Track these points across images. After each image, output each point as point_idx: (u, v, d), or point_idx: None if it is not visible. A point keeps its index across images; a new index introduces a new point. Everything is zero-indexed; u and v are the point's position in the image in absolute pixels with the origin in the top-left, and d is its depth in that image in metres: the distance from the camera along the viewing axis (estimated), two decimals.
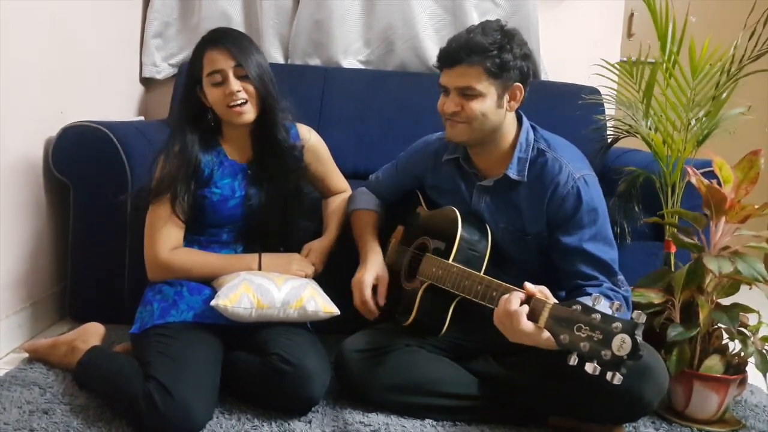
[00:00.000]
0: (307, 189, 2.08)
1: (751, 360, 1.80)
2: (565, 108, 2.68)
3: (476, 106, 1.72)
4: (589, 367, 1.31)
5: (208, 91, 1.87)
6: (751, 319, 1.85)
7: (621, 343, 1.29)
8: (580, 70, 2.72)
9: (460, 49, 1.71)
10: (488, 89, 1.72)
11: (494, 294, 1.57)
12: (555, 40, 2.71)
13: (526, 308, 1.46)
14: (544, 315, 1.43)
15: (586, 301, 1.39)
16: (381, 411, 1.77)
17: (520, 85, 1.74)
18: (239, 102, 1.85)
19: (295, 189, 2.01)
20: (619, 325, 1.30)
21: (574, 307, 1.38)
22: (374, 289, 1.88)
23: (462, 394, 1.77)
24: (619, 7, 3.29)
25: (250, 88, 1.86)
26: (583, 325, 1.35)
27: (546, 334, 1.43)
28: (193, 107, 1.91)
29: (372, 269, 1.90)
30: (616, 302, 1.33)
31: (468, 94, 1.72)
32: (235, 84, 1.84)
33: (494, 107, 1.73)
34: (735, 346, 1.83)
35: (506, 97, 1.74)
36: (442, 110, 1.77)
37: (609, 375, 1.29)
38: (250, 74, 1.85)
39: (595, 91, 2.74)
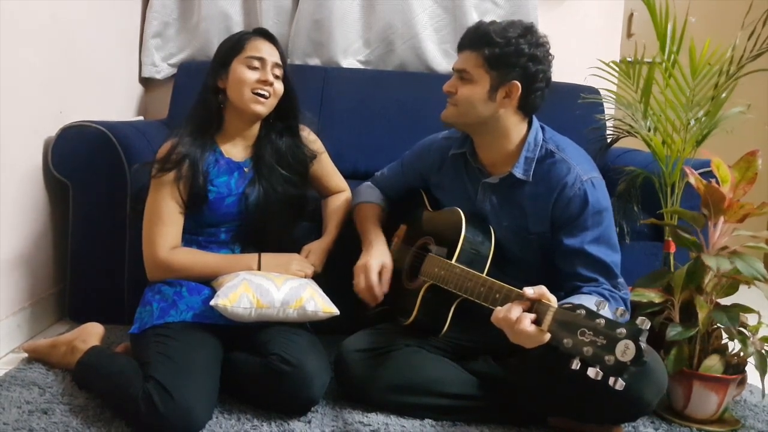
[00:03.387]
0: (310, 195, 2.11)
1: (751, 360, 1.80)
2: (564, 108, 2.67)
3: (466, 90, 1.75)
4: (592, 372, 1.30)
5: (239, 70, 1.89)
6: (751, 320, 1.85)
7: (625, 349, 1.28)
8: (580, 70, 2.72)
9: (469, 35, 1.78)
10: (482, 77, 1.74)
11: (497, 296, 1.56)
12: (555, 40, 2.69)
13: (528, 316, 1.45)
14: (548, 319, 1.42)
15: (590, 305, 1.39)
16: (380, 411, 1.77)
17: (519, 83, 1.73)
18: (265, 93, 1.89)
19: (298, 195, 2.03)
20: (623, 330, 1.30)
21: (578, 311, 1.38)
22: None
23: (462, 394, 1.77)
24: (618, 7, 3.30)
25: (279, 88, 1.92)
26: (586, 330, 1.34)
27: (548, 336, 1.43)
28: (210, 88, 1.92)
29: (378, 255, 1.90)
30: (620, 308, 1.33)
31: (463, 77, 1.76)
32: (270, 75, 1.89)
33: (484, 97, 1.74)
34: (734, 346, 1.83)
35: (500, 92, 1.74)
36: (444, 90, 1.82)
37: (611, 380, 1.29)
38: (288, 76, 1.95)
39: (594, 91, 2.74)
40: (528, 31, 1.75)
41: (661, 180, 2.15)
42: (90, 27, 2.52)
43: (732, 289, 1.84)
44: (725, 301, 1.85)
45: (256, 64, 1.89)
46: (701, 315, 1.77)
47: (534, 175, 1.78)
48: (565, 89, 2.85)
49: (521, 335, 1.44)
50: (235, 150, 1.98)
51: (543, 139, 1.81)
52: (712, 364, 1.79)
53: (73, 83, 2.41)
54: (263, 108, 1.91)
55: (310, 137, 2.08)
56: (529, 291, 1.48)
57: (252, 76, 1.88)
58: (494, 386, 1.78)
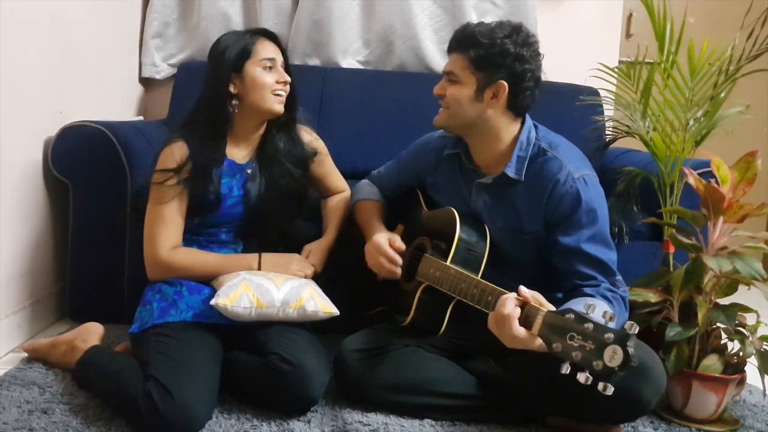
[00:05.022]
0: (310, 192, 2.11)
1: (750, 360, 1.80)
2: (563, 108, 2.68)
3: (453, 91, 1.76)
4: (581, 377, 1.30)
5: (256, 74, 1.90)
6: (750, 319, 1.85)
7: (612, 354, 1.29)
8: (579, 70, 2.72)
9: (456, 37, 1.79)
10: (468, 78, 1.74)
11: (489, 298, 1.57)
12: (554, 41, 2.75)
13: (518, 312, 1.46)
14: (538, 322, 1.43)
15: (580, 309, 1.39)
16: (380, 410, 1.77)
17: (505, 83, 1.72)
18: (283, 92, 1.93)
19: (299, 190, 2.03)
20: (611, 335, 1.30)
21: (567, 315, 1.38)
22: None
23: (460, 393, 1.77)
24: (617, 7, 3.30)
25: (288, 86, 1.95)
26: (575, 334, 1.35)
27: (539, 340, 1.43)
28: (224, 94, 1.90)
29: (381, 234, 1.90)
30: (609, 311, 1.33)
31: (451, 79, 1.77)
32: (285, 74, 1.94)
33: (471, 98, 1.75)
34: (733, 345, 1.83)
35: (487, 93, 1.74)
36: (433, 93, 1.83)
37: (600, 385, 1.29)
38: (292, 74, 1.97)
39: (593, 92, 2.74)
40: (515, 31, 1.75)
41: (659, 180, 2.15)
42: (90, 27, 2.52)
43: (731, 289, 1.84)
44: (724, 301, 1.86)
45: (269, 64, 1.91)
46: (701, 315, 1.78)
47: (526, 174, 1.77)
48: (564, 90, 2.86)
49: (509, 331, 1.45)
50: (239, 152, 1.98)
51: (536, 138, 1.80)
52: (711, 363, 1.80)
53: (73, 83, 2.41)
54: (282, 107, 1.94)
55: (311, 136, 2.09)
56: (525, 291, 1.49)
57: (270, 78, 1.91)
58: (493, 386, 1.78)
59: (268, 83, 1.90)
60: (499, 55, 1.71)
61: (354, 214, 2.11)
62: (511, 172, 1.78)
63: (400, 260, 1.85)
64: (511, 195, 1.80)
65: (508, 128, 1.79)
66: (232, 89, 1.91)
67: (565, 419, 1.73)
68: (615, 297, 1.68)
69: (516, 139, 1.80)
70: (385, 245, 1.86)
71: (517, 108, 1.78)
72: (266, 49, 1.92)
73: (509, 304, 1.47)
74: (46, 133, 2.26)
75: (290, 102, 1.98)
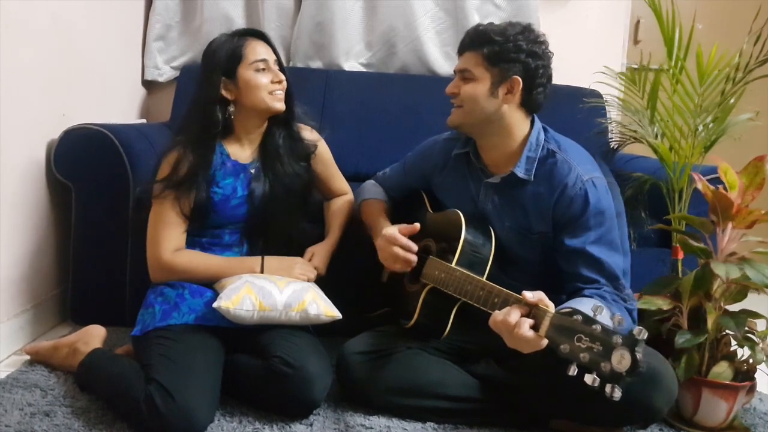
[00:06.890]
0: (313, 193, 2.11)
1: (761, 367, 1.79)
2: (566, 111, 2.66)
3: (469, 88, 1.76)
4: (589, 378, 1.30)
5: (249, 77, 1.89)
6: (760, 326, 1.83)
7: (621, 358, 1.28)
8: (583, 73, 2.71)
9: (468, 37, 1.80)
10: (483, 75, 1.75)
11: (496, 300, 1.56)
12: (556, 43, 2.76)
13: (530, 321, 1.44)
14: (545, 324, 1.42)
15: (587, 310, 1.38)
16: (382, 413, 1.77)
17: (520, 79, 1.73)
18: (280, 90, 1.92)
19: (302, 189, 2.02)
20: (619, 339, 1.29)
21: (575, 316, 1.37)
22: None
23: (464, 396, 1.76)
24: (621, 10, 3.29)
25: (285, 83, 1.95)
26: (583, 336, 1.34)
27: (546, 341, 1.42)
28: (214, 99, 1.89)
29: (392, 227, 1.87)
30: (618, 315, 1.32)
31: (466, 77, 1.78)
32: (279, 73, 1.93)
33: (486, 94, 1.74)
34: (744, 352, 1.81)
35: (502, 88, 1.74)
36: (446, 92, 1.83)
37: (608, 388, 1.28)
38: (285, 71, 1.96)
39: (596, 94, 2.73)
40: (526, 29, 1.78)
41: (668, 186, 2.14)
42: (92, 30, 2.52)
43: (741, 295, 1.82)
44: (734, 307, 1.84)
45: (262, 66, 1.90)
46: (710, 321, 1.76)
47: (535, 175, 1.77)
48: (567, 92, 2.84)
49: (519, 340, 1.44)
50: (242, 152, 1.97)
51: (545, 139, 1.81)
52: (721, 370, 1.78)
53: (76, 86, 2.41)
54: (282, 104, 1.93)
55: (312, 136, 2.08)
56: (529, 295, 1.48)
57: (264, 79, 1.90)
58: (496, 389, 1.77)
59: (263, 84, 1.89)
60: (513, 51, 1.72)
61: (360, 213, 2.10)
62: (520, 172, 1.77)
63: (415, 247, 1.82)
64: (519, 195, 1.80)
65: (520, 126, 1.79)
66: (227, 95, 1.90)
67: (567, 422, 1.72)
68: (615, 299, 1.67)
69: (526, 139, 1.80)
70: (398, 234, 1.82)
71: (530, 105, 1.78)
72: (256, 51, 1.91)
73: (513, 315, 1.45)
74: (49, 136, 2.25)
75: (287, 98, 1.97)
